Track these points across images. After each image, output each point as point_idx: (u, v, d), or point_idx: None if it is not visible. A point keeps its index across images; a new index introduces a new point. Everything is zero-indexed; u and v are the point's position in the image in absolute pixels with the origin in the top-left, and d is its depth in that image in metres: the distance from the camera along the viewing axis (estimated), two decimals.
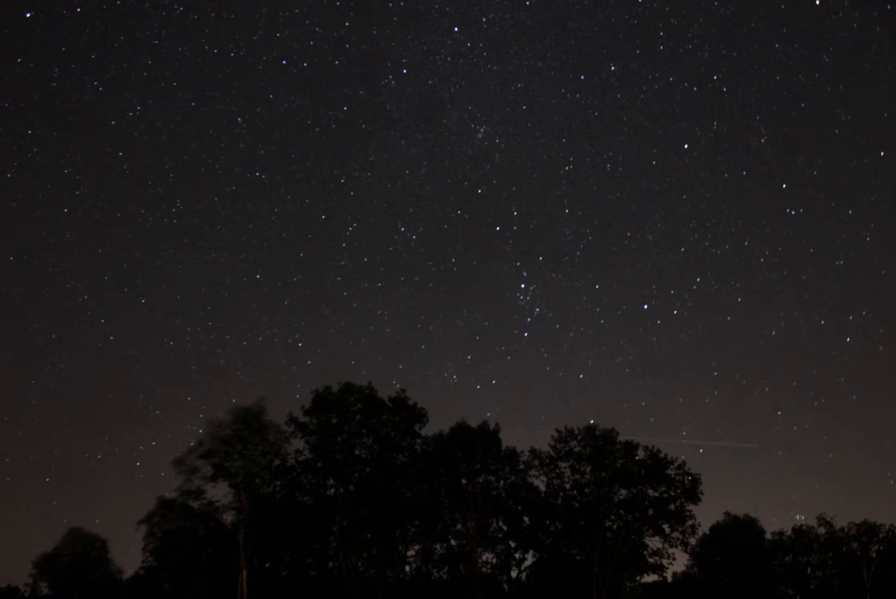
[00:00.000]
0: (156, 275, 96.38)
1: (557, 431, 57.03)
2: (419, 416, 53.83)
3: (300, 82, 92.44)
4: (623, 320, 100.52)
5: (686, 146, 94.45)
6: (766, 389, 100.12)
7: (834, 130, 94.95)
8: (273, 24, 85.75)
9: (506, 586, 58.58)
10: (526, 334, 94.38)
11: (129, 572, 63.18)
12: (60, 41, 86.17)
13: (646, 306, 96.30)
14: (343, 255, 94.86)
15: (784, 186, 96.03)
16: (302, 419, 51.40)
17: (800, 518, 78.37)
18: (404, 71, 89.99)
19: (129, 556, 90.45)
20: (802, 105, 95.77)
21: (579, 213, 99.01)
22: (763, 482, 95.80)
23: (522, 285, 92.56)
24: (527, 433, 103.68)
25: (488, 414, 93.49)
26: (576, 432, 56.70)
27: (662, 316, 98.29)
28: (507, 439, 55.73)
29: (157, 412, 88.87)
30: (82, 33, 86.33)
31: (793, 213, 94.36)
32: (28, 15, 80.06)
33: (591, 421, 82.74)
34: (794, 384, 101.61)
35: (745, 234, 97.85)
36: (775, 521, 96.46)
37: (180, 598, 54.66)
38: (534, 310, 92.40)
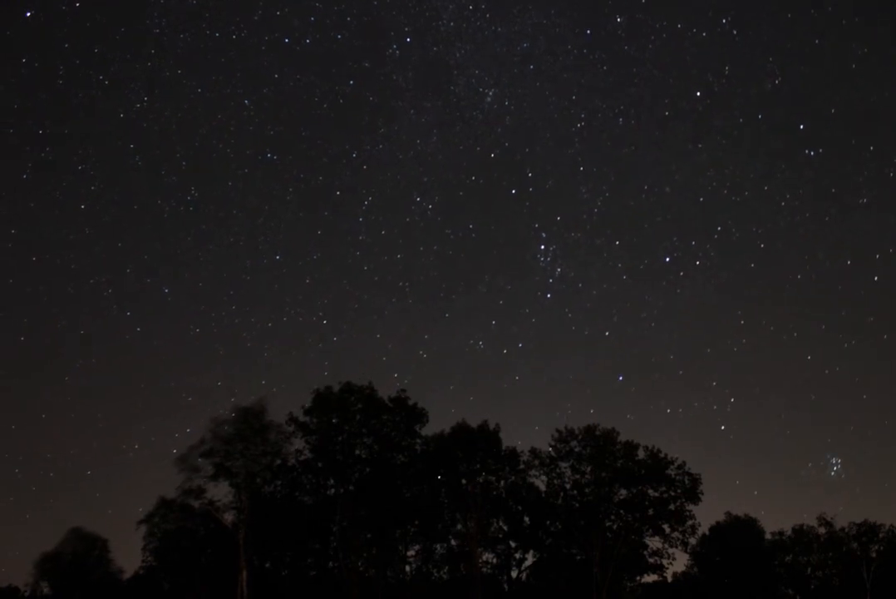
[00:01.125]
0: (177, 264, 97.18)
1: (557, 431, 57.17)
2: (419, 416, 53.85)
3: (304, 59, 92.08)
4: (646, 275, 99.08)
5: (699, 94, 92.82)
6: (795, 334, 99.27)
7: (851, 65, 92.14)
8: (272, 2, 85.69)
9: (506, 586, 58.59)
10: (549, 296, 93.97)
11: (129, 572, 63.24)
12: (62, 38, 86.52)
13: (668, 259, 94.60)
14: (361, 229, 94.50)
15: (801, 126, 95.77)
16: (302, 418, 51.50)
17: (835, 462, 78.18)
18: (407, 39, 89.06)
19: (129, 556, 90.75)
20: (816, 41, 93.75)
21: (594, 169, 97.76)
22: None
23: (542, 247, 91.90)
24: (558, 400, 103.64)
25: (517, 377, 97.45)
26: (576, 432, 56.79)
27: (685, 268, 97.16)
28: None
29: (189, 398, 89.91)
30: (83, 28, 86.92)
31: (812, 153, 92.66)
32: (28, 14, 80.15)
33: (621, 378, 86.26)
34: (823, 327, 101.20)
35: (764, 179, 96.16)
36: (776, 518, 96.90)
37: (180, 598, 54.65)
38: (555, 271, 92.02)
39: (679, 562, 73.53)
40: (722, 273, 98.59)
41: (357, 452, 51.98)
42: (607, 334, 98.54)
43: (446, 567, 56.60)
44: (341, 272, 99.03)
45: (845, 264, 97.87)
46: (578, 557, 57.09)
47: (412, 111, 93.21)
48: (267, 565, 53.68)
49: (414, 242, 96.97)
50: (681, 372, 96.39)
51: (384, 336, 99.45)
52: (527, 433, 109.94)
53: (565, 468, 56.43)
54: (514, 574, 58.98)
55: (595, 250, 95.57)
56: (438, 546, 56.11)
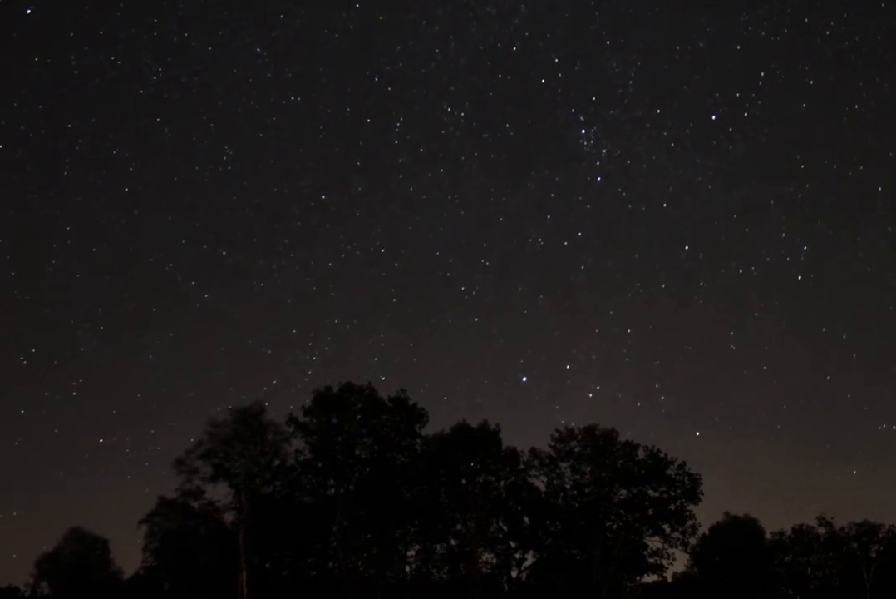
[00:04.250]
0: (227, 224, 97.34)
1: (557, 431, 57.25)
2: (419, 416, 53.88)
3: None
4: (693, 137, 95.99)
5: None
6: (850, 172, 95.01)
7: None
8: None
9: (506, 586, 58.62)
10: (599, 179, 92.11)
11: (129, 572, 63.22)
12: (66, 27, 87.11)
13: (713, 117, 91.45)
14: (399, 151, 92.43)
15: None
16: (302, 418, 51.51)
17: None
18: None
19: (129, 556, 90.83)
20: None
21: (621, 41, 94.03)
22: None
23: (583, 131, 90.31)
24: (621, 277, 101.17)
25: (582, 267, 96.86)
26: (576, 432, 56.86)
27: (733, 122, 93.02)
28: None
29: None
30: (83, 13, 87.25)
31: None
32: (28, 11, 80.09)
33: (687, 247, 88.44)
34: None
35: (801, 12, 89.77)
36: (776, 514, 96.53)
37: (180, 598, 54.65)
38: (600, 152, 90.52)
39: (679, 562, 73.43)
40: (773, 120, 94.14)
41: (357, 452, 51.99)
42: (665, 205, 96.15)
43: (446, 567, 56.61)
44: (389, 198, 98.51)
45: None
46: (578, 557, 57.12)
47: (424, 22, 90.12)
48: (267, 565, 53.65)
49: (454, 153, 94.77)
50: (747, 230, 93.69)
51: (443, 253, 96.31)
52: (527, 433, 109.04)
53: (565, 468, 56.52)
54: (514, 574, 59.03)
55: (637, 122, 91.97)
56: (438, 546, 56.13)
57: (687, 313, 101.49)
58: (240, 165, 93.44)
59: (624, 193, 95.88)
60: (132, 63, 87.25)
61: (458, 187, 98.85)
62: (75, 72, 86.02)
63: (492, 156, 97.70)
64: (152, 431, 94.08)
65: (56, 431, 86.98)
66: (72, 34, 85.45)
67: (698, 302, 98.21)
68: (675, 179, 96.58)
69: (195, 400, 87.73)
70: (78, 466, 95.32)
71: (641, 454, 56.18)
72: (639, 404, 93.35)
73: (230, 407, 50.01)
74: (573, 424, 57.79)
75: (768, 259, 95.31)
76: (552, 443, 56.81)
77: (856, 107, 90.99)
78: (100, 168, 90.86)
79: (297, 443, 51.42)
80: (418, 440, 54.34)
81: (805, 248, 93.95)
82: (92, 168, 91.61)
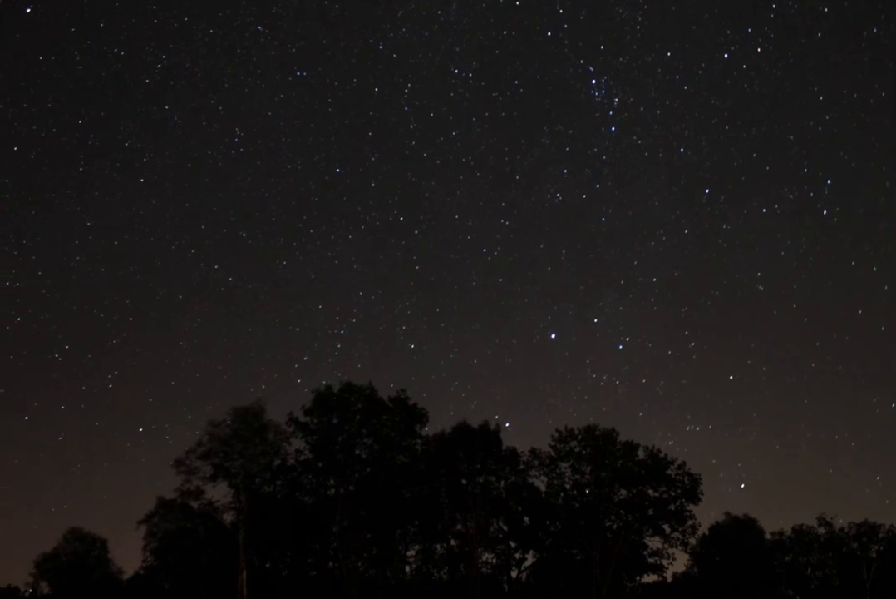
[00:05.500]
0: (249, 203, 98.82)
1: (557, 431, 57.20)
2: (419, 416, 53.87)
3: None
4: (706, 78, 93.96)
5: None
6: (870, 100, 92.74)
7: None
8: None
9: (506, 586, 58.59)
10: (613, 129, 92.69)
11: (129, 572, 63.20)
12: (67, 23, 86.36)
13: (726, 56, 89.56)
14: (410, 118, 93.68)
15: None
16: (302, 418, 51.51)
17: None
18: None
19: (129, 556, 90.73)
20: None
21: None
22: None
23: (593, 81, 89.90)
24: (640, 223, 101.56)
25: (603, 219, 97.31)
26: (576, 432, 56.80)
27: (746, 59, 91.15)
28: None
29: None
30: (83, 6, 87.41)
31: None
32: (28, 10, 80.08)
33: (708, 191, 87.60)
34: None
35: None
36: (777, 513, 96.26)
37: (180, 598, 54.62)
38: (612, 101, 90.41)
39: (679, 562, 73.69)
40: (787, 52, 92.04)
41: (357, 452, 51.96)
42: (682, 150, 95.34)
43: (446, 567, 56.59)
44: (404, 166, 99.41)
45: None
46: (578, 557, 57.09)
47: None
48: (267, 565, 53.66)
49: (465, 114, 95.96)
50: (768, 165, 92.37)
51: (462, 216, 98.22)
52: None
53: (565, 468, 56.49)
54: (514, 574, 59.02)
55: (647, 68, 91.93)
56: (438, 546, 56.13)
57: (712, 257, 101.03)
58: (252, 146, 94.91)
59: (640, 142, 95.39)
60: (135, 53, 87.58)
61: (472, 149, 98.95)
62: (80, 67, 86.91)
63: (503, 114, 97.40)
64: (153, 430, 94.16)
65: (97, 424, 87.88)
66: (73, 30, 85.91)
67: (723, 245, 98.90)
68: (691, 122, 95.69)
69: (229, 383, 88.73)
70: (78, 466, 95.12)
71: (641, 454, 56.21)
72: (669, 352, 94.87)
73: (231, 407, 50.06)
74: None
75: (791, 196, 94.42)
76: (552, 443, 56.82)
77: (874, 31, 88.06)
78: (114, 161, 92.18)
79: (297, 443, 51.55)
80: (418, 440, 54.34)
81: (829, 181, 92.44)
82: (107, 161, 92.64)
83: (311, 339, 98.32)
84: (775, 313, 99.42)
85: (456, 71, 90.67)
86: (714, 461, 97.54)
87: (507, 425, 57.80)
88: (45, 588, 62.78)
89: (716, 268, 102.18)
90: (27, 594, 65.20)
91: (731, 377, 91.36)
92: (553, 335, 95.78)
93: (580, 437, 56.49)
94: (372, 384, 53.13)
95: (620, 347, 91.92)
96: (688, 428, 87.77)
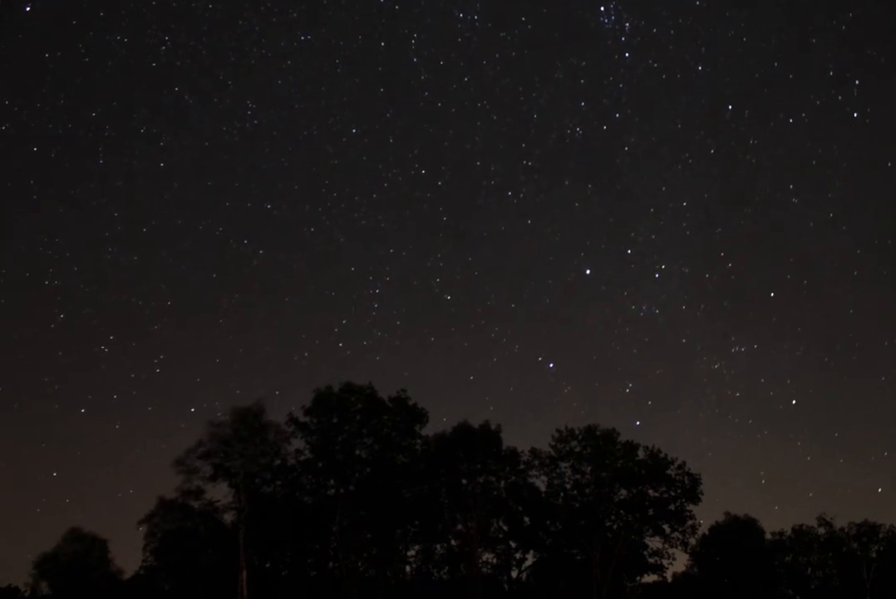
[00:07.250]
0: (266, 179, 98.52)
1: (558, 431, 57.22)
2: (419, 416, 53.88)
3: None
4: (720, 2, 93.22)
5: None
6: None
7: None
8: None
9: (506, 586, 58.59)
10: (627, 55, 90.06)
11: (129, 572, 63.13)
12: (67, 16, 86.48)
13: None
14: (420, 69, 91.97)
15: None
16: (302, 418, 51.52)
17: None
18: None
19: (129, 556, 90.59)
20: None
21: None
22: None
23: (601, 8, 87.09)
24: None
25: (626, 148, 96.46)
26: (576, 432, 56.82)
27: None
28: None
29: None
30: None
31: None
32: (28, 9, 79.91)
33: (731, 107, 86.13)
34: None
35: None
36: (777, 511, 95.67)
37: (180, 598, 54.58)
38: (624, 26, 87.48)
39: (679, 562, 73.43)
40: None
41: (357, 452, 51.97)
42: (700, 68, 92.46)
43: (446, 567, 56.59)
44: (420, 129, 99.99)
45: None
46: (578, 557, 57.10)
47: None
48: (267, 565, 53.63)
49: (475, 58, 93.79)
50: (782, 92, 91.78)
51: (483, 165, 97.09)
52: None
53: (565, 468, 56.51)
54: (514, 574, 59.03)
55: None
56: (438, 546, 56.14)
57: (741, 173, 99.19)
58: (265, 117, 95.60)
59: (655, 64, 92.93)
60: (139, 38, 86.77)
61: (486, 93, 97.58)
62: (86, 59, 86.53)
63: (513, 54, 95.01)
64: (152, 430, 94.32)
65: (150, 408, 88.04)
66: (74, 22, 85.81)
67: (751, 161, 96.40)
68: (707, 37, 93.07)
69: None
70: (78, 466, 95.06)
71: (641, 454, 56.25)
72: (707, 275, 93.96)
73: (231, 406, 50.05)
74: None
75: (818, 102, 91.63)
76: (552, 443, 56.85)
77: None
78: (133, 149, 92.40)
79: (298, 443, 51.53)
80: (418, 440, 54.34)
81: (857, 81, 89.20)
82: (125, 150, 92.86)
83: (347, 303, 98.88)
84: (811, 225, 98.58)
85: (461, 15, 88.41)
86: (762, 381, 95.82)
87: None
88: (45, 588, 62.70)
89: (746, 185, 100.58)
90: (27, 594, 65.17)
91: (771, 294, 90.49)
92: (588, 271, 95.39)
93: (580, 437, 56.53)
94: (371, 384, 53.34)
95: (657, 275, 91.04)
96: (733, 350, 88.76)
